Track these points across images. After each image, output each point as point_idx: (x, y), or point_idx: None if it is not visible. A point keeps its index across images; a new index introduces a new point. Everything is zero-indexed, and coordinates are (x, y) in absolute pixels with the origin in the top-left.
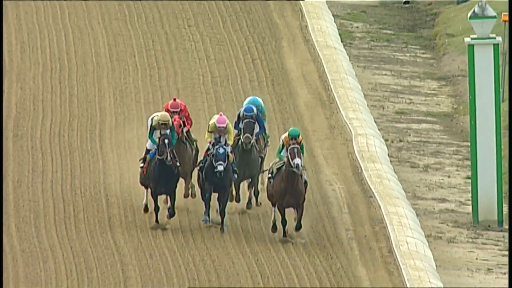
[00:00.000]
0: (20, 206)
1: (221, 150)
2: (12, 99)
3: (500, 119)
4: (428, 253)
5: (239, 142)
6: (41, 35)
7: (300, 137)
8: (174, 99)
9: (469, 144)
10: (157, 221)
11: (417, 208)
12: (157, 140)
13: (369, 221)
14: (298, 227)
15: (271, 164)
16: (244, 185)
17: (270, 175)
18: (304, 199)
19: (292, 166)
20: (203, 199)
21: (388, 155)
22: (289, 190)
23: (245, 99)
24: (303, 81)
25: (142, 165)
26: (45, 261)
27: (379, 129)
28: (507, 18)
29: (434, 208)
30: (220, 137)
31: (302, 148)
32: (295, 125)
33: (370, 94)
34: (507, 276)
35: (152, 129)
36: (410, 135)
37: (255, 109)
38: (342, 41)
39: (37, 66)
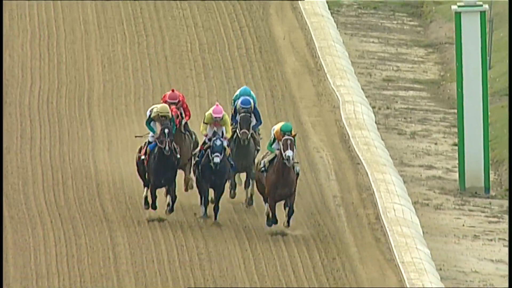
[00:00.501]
0: (8, 173)
1: (218, 142)
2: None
3: (487, 86)
4: (415, 220)
5: (236, 136)
6: (29, 2)
7: (293, 132)
8: (173, 90)
9: (456, 111)
10: (154, 207)
11: (404, 175)
12: (157, 130)
13: (356, 188)
14: (291, 213)
15: (261, 158)
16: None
17: (263, 168)
18: (295, 190)
19: (283, 158)
20: (200, 195)
21: (375, 122)
22: (281, 181)
23: (232, 67)
24: (291, 48)
25: (143, 157)
26: (34, 228)
27: (366, 96)
28: None
29: (421, 175)
30: (216, 131)
31: (294, 141)
32: (282, 91)
33: (357, 61)
34: (493, 242)
35: (150, 120)
36: (397, 102)
37: (252, 101)
38: (329, 9)
39: (25, 33)
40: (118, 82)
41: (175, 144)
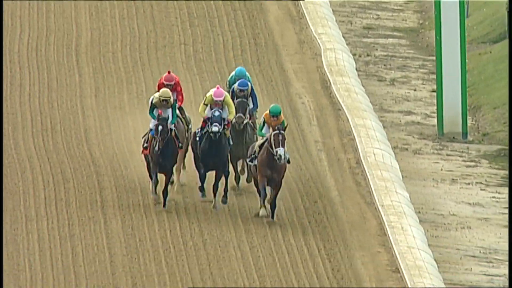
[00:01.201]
0: None
1: (217, 113)
2: None
3: (465, 34)
4: (394, 164)
5: (233, 122)
6: None
7: (282, 115)
8: (169, 72)
9: (434, 58)
10: (155, 192)
11: (384, 120)
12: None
13: (337, 133)
14: (274, 207)
15: (252, 147)
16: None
17: (253, 155)
18: (283, 176)
19: (273, 154)
20: (199, 174)
21: (356, 69)
22: (271, 165)
23: (217, 15)
24: None
25: (145, 145)
26: (23, 172)
27: (347, 44)
28: None
29: (400, 121)
30: (217, 110)
31: (283, 125)
32: (265, 39)
33: (338, 9)
34: (471, 186)
35: (153, 106)
36: (377, 49)
37: (249, 83)
38: None
39: None
40: (105, 30)
41: (176, 132)
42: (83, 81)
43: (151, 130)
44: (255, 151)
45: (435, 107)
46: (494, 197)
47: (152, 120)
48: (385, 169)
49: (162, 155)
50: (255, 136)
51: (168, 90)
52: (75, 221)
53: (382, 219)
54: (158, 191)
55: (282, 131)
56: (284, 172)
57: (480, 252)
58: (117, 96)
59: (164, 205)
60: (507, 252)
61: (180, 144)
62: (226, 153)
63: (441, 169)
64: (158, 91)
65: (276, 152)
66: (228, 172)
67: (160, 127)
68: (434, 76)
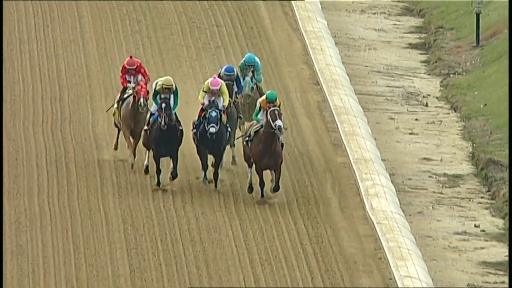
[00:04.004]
0: None
1: (214, 114)
2: None
3: None
4: None
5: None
6: None
7: (278, 100)
8: (131, 57)
9: None
10: (158, 184)
11: None
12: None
13: None
14: (276, 189)
15: (247, 127)
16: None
17: (247, 138)
18: (282, 160)
19: (273, 128)
20: (201, 160)
21: None
22: (268, 152)
23: None
24: None
25: (146, 127)
26: (17, 4)
27: None
28: None
29: None
30: (214, 100)
31: (280, 110)
32: None
33: None
34: (376, 15)
35: (156, 92)
36: None
37: (235, 69)
38: None
39: None
40: None
41: (178, 116)
42: None
43: (152, 114)
44: (250, 135)
45: None
46: (395, 24)
47: (154, 105)
48: (307, 1)
49: (165, 140)
50: (238, 118)
51: (170, 78)
52: (58, 44)
53: (306, 42)
54: (162, 179)
55: (277, 107)
56: (281, 157)
57: (383, 68)
58: None
59: (175, 175)
60: (405, 68)
61: (181, 128)
62: (224, 138)
63: (353, 2)
64: (122, 73)
65: (275, 124)
66: (222, 157)
67: (163, 104)
68: None
